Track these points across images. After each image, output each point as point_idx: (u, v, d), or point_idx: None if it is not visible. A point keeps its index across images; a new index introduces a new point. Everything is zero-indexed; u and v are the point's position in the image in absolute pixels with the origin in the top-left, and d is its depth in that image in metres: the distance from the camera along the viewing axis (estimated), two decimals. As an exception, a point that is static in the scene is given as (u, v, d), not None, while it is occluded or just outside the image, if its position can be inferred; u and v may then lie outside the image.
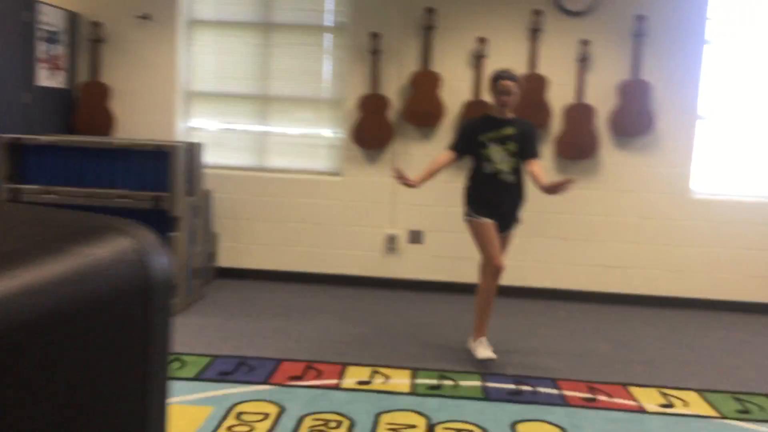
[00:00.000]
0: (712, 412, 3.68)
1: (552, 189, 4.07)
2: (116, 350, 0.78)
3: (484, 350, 4.27)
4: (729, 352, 4.80)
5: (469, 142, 4.27)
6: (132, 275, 0.80)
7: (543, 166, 4.43)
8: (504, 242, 4.36)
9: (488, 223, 4.22)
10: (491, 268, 4.24)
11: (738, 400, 3.87)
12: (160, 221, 5.12)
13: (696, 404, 3.78)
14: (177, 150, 5.00)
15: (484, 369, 4.16)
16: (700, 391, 3.97)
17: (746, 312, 5.83)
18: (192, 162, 5.33)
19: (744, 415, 3.66)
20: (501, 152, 4.21)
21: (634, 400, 3.80)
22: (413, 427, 3.30)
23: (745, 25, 5.86)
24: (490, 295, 4.30)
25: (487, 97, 5.72)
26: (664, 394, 3.90)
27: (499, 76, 4.21)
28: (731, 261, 5.90)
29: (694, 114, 5.82)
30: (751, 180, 5.97)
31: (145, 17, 6.04)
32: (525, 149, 4.25)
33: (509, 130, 4.23)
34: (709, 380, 4.20)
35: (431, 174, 4.35)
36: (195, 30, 6.25)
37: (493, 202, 4.25)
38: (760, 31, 5.87)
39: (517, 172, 4.27)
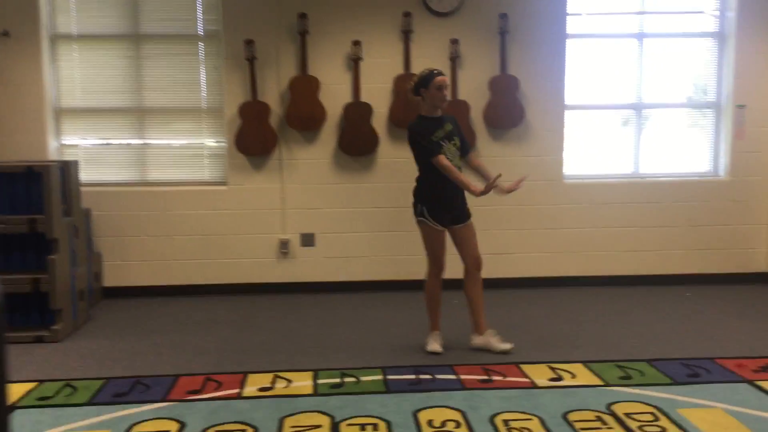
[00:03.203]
0: (597, 381, 3.92)
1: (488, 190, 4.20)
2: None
3: (432, 343, 4.48)
4: (609, 324, 5.12)
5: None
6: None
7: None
8: (468, 234, 4.46)
9: (442, 231, 4.36)
10: (435, 270, 4.44)
11: (620, 367, 4.13)
12: (38, 244, 4.90)
13: (582, 375, 4.02)
14: (50, 170, 4.79)
15: (385, 363, 4.25)
16: (585, 363, 4.22)
17: (620, 285, 6.24)
18: (67, 181, 5.13)
19: (626, 381, 3.92)
20: (452, 149, 4.30)
21: (526, 376, 3.99)
22: (318, 427, 3.33)
23: (604, 17, 6.27)
24: (435, 293, 4.49)
25: (367, 98, 5.87)
26: (553, 369, 4.12)
27: (433, 74, 4.23)
28: (603, 239, 6.29)
29: (561, 104, 6.16)
30: (615, 162, 6.41)
31: (4, 34, 5.75)
32: (463, 144, 4.41)
33: (449, 126, 4.33)
34: (593, 352, 4.47)
35: (460, 174, 4.24)
36: (60, 45, 6.00)
37: (450, 199, 4.34)
38: (617, 22, 6.30)
39: (461, 166, 4.39)
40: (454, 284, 4.74)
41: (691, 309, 5.52)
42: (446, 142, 4.27)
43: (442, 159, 4.20)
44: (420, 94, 4.30)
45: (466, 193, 4.37)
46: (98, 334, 4.99)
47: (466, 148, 4.44)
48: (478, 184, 4.22)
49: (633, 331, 4.94)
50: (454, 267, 4.56)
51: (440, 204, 4.32)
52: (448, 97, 4.31)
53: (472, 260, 4.44)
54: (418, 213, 4.36)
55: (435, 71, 4.26)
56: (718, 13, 6.30)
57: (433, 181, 4.30)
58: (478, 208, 6.22)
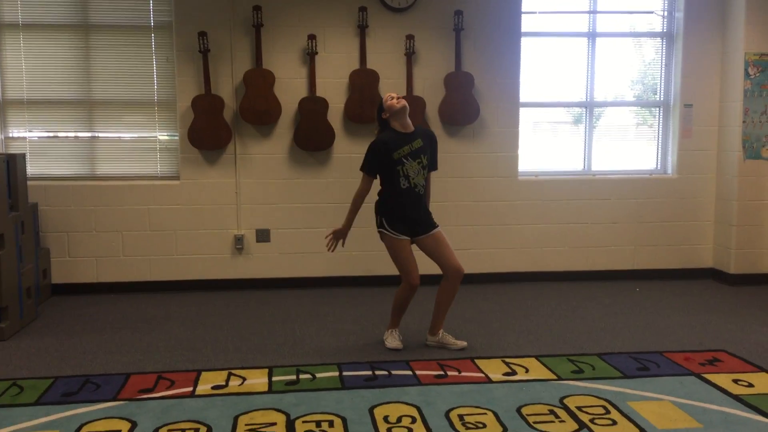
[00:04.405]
0: (550, 375, 3.98)
1: None
2: None
3: (393, 340, 4.48)
4: (562, 319, 5.20)
5: (384, 162, 4.25)
6: None
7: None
8: (439, 244, 4.37)
9: (405, 240, 4.32)
10: (407, 284, 4.35)
11: (572, 361, 4.21)
12: (-18, 241, 4.76)
13: (535, 369, 4.07)
14: (-5, 163, 4.66)
15: (341, 359, 4.24)
16: (538, 357, 4.29)
17: (573, 280, 6.35)
18: (13, 175, 4.99)
19: (578, 374, 3.99)
20: (416, 167, 4.28)
21: (481, 371, 4.03)
22: (273, 424, 3.31)
23: (556, 16, 6.36)
24: (404, 302, 4.45)
25: (323, 92, 5.85)
26: (507, 363, 4.17)
27: (381, 99, 4.32)
28: (556, 235, 6.39)
29: (516, 101, 6.22)
30: (566, 159, 6.51)
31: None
32: (430, 161, 4.41)
33: (419, 143, 4.31)
34: (546, 346, 4.54)
35: (357, 210, 4.34)
36: (5, 34, 5.82)
37: (410, 215, 4.32)
38: (569, 21, 6.39)
39: (426, 181, 4.41)
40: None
41: (640, 304, 5.64)
42: (409, 159, 4.26)
43: (364, 181, 4.31)
44: (385, 119, 4.32)
45: (431, 203, 4.52)
46: (46, 332, 4.87)
47: (430, 166, 4.43)
48: (341, 229, 4.38)
49: (584, 325, 5.03)
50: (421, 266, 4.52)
51: (399, 216, 4.30)
52: (406, 104, 4.29)
53: (453, 270, 4.34)
54: (378, 225, 4.37)
55: (381, 98, 4.36)
56: (666, 13, 6.44)
57: (390, 193, 4.31)
58: (433, 204, 6.26)
